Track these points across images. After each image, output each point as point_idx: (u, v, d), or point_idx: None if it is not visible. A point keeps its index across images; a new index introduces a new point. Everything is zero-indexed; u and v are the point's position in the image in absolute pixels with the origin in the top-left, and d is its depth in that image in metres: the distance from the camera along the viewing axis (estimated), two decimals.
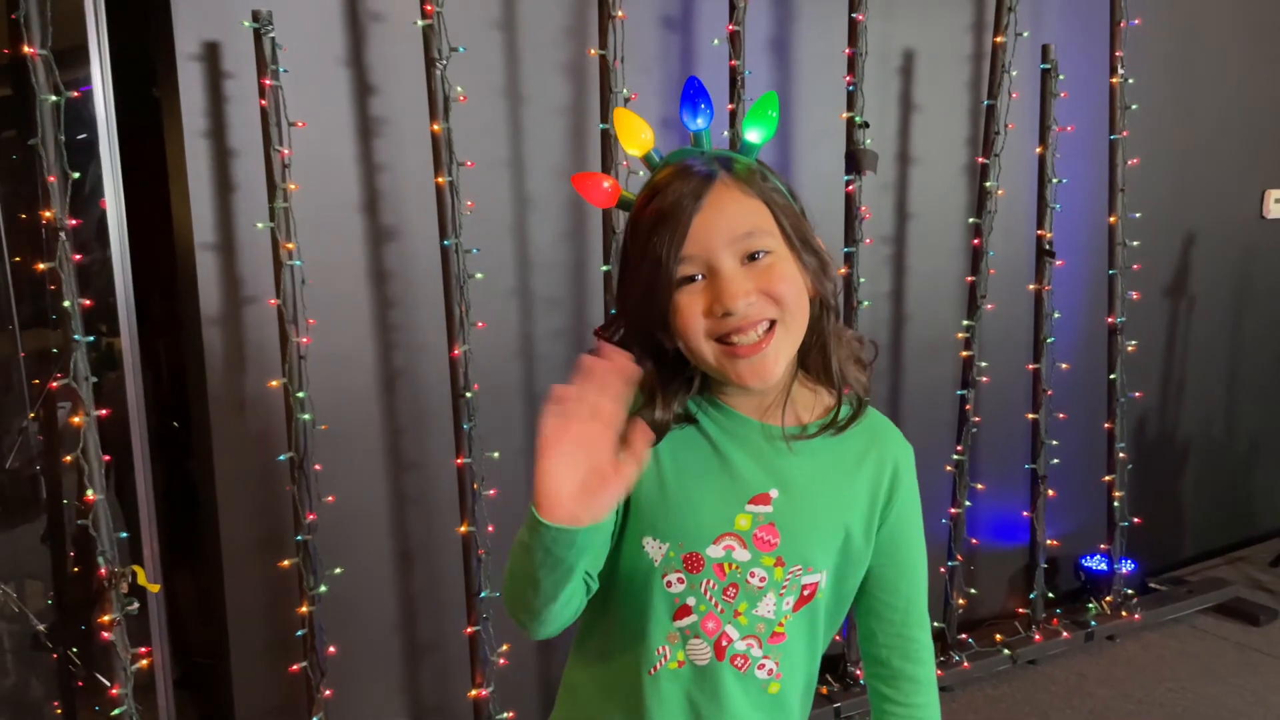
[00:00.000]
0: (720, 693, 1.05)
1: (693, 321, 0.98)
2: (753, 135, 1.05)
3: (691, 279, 0.98)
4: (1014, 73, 2.75)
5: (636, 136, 1.06)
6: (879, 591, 1.13)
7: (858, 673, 2.70)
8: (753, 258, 0.98)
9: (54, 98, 1.85)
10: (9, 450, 2.46)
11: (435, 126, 2.09)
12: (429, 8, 2.04)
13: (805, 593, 1.06)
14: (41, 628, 2.59)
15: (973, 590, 2.97)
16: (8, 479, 2.42)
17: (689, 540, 1.04)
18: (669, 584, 1.05)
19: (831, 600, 1.10)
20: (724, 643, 1.05)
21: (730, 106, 2.43)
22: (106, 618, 1.94)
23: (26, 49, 1.83)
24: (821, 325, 1.05)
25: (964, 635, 2.97)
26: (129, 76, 2.23)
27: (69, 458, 1.91)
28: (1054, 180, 2.88)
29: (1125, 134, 2.96)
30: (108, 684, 2.31)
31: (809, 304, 1.03)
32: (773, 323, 0.98)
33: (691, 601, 1.05)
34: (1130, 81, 2.97)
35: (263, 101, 1.98)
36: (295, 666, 2.16)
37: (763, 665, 1.06)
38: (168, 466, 2.87)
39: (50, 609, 2.59)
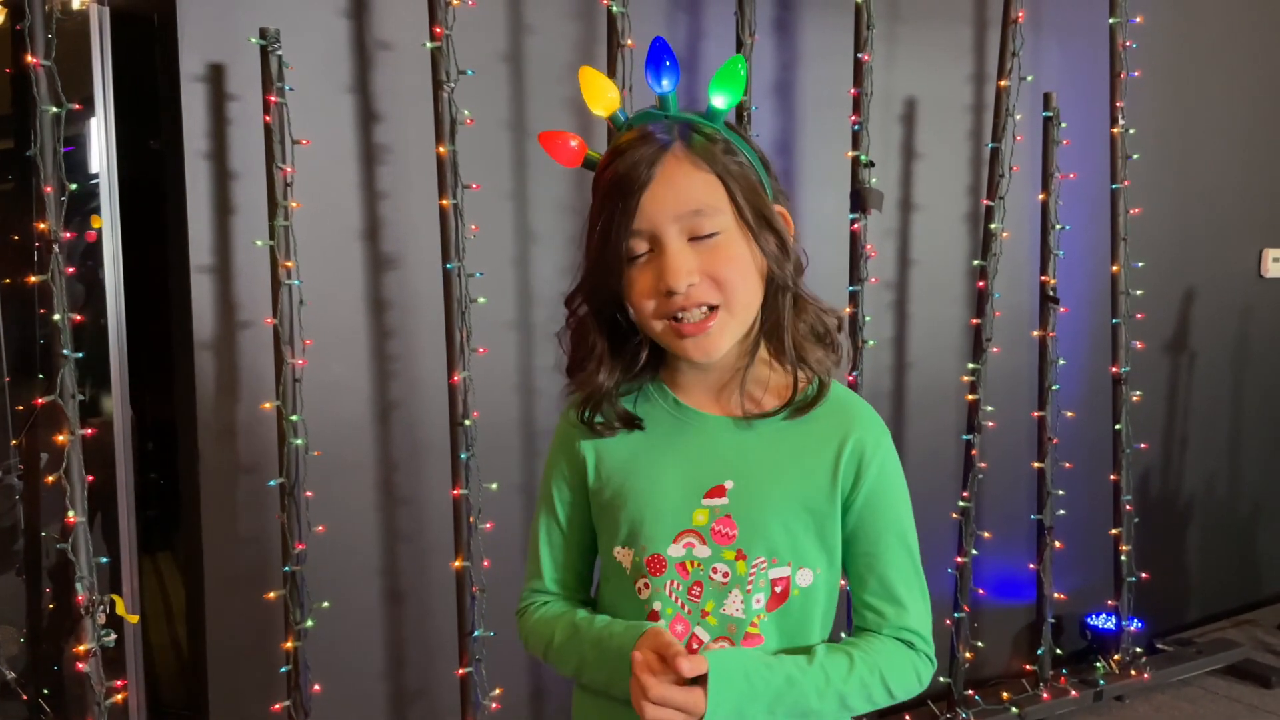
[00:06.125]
0: None
1: (642, 301, 0.98)
2: (718, 100, 1.01)
3: (641, 255, 0.98)
4: (1018, 116, 2.75)
5: (603, 96, 1.04)
6: (853, 583, 1.07)
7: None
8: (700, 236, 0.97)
9: (54, 109, 1.83)
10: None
11: (441, 149, 2.06)
12: (438, 30, 2.03)
13: (777, 590, 1.01)
14: (11, 674, 2.48)
15: (979, 644, 2.87)
16: None
17: (651, 543, 1.02)
18: (639, 590, 1.03)
19: (820, 595, 1.04)
20: (694, 645, 1.00)
21: None
22: (82, 648, 1.85)
23: (29, 59, 1.81)
24: (777, 304, 1.02)
25: (970, 692, 2.88)
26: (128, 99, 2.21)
27: (51, 478, 1.83)
28: (1057, 226, 2.87)
29: (1127, 183, 2.96)
30: None
31: (761, 283, 1.01)
32: (714, 307, 0.97)
33: (658, 606, 1.01)
34: (1131, 132, 2.97)
35: (267, 118, 1.96)
36: (277, 706, 2.05)
37: None
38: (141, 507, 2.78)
39: (23, 651, 2.47)
